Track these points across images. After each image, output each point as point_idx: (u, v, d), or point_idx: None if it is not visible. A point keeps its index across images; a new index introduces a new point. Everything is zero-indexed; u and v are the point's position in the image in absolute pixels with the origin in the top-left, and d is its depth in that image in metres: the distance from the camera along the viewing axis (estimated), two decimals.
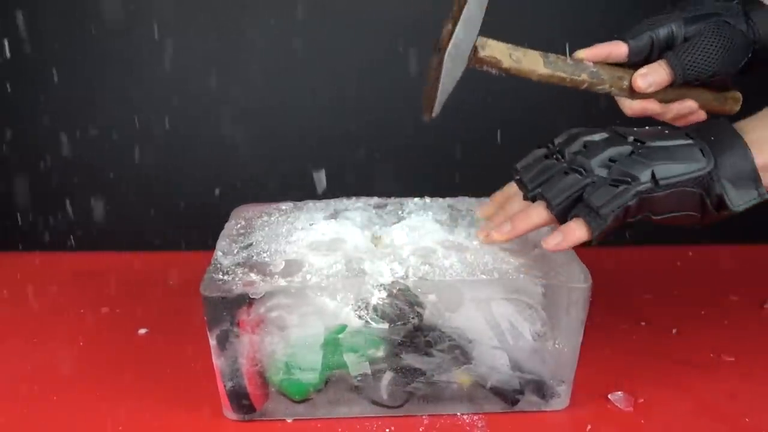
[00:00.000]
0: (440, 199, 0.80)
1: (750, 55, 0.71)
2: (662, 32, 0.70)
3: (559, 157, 0.65)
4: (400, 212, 0.76)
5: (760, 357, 0.79)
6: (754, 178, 0.61)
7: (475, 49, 0.66)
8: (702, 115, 0.74)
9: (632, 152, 0.62)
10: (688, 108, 0.73)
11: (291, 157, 1.09)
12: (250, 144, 1.09)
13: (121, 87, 1.05)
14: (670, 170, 0.61)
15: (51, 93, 1.05)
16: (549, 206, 0.64)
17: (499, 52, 0.67)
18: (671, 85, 0.71)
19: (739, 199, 0.61)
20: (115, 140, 1.08)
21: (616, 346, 0.81)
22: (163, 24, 1.02)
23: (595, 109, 1.05)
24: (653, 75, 0.70)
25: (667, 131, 0.64)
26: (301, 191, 0.83)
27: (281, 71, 1.06)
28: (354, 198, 0.80)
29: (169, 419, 0.70)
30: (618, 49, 0.70)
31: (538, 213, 0.65)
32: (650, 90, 0.70)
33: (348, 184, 0.88)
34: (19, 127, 1.07)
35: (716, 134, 0.62)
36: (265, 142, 1.09)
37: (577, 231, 0.62)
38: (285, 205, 0.80)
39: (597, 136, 0.64)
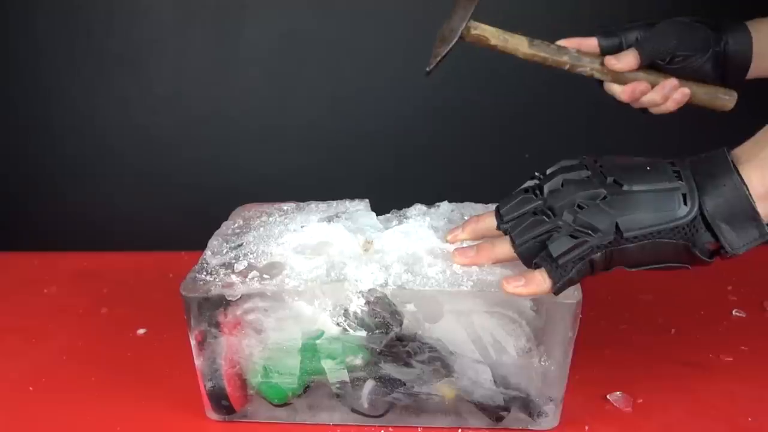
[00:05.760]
0: (445, 204, 0.76)
1: (722, 56, 0.78)
2: (630, 35, 0.80)
3: (538, 193, 0.61)
4: (400, 216, 0.74)
5: (760, 357, 0.79)
6: (753, 216, 0.56)
7: (467, 29, 0.79)
8: (686, 93, 0.79)
9: (605, 196, 0.57)
10: (672, 85, 0.79)
11: (295, 157, 1.09)
12: (252, 144, 1.09)
13: (121, 87, 1.05)
14: (637, 221, 0.56)
15: (50, 93, 1.06)
16: (513, 245, 0.61)
17: (489, 33, 0.80)
18: (641, 65, 0.79)
19: (739, 241, 0.56)
20: (116, 140, 1.08)
21: (616, 346, 0.81)
22: (164, 24, 1.03)
23: (602, 114, 1.06)
24: (622, 55, 0.79)
25: (656, 171, 0.58)
26: (306, 191, 0.83)
27: (282, 71, 1.06)
28: (357, 200, 0.78)
29: (169, 421, 0.70)
30: (588, 42, 0.81)
31: (503, 248, 0.62)
32: (619, 66, 0.79)
33: (351, 185, 0.88)
34: (19, 127, 1.07)
35: (710, 168, 0.57)
36: (267, 142, 1.09)
37: (540, 282, 0.59)
38: (287, 206, 0.78)
39: (576, 175, 0.60)
